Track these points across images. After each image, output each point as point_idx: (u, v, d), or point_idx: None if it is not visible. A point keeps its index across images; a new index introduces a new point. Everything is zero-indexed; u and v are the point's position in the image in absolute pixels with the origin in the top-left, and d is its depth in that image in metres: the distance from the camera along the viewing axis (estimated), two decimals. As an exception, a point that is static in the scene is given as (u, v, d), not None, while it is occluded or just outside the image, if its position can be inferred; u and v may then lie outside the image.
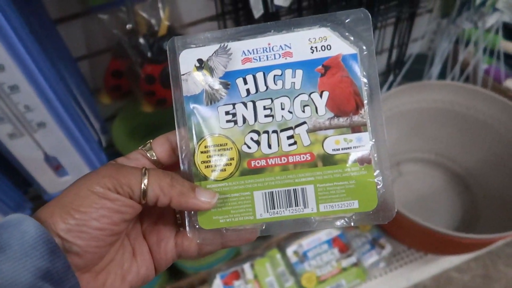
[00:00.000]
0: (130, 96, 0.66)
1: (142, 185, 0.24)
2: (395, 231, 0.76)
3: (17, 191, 0.54)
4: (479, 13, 0.72)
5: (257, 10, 0.50)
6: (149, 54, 0.58)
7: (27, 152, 0.47)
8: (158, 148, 0.27)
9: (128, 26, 0.53)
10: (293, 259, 0.72)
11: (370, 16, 0.26)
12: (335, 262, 0.71)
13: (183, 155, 0.27)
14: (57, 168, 0.51)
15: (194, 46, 0.27)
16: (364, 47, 0.26)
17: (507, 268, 0.97)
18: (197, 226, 0.27)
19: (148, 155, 0.27)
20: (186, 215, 0.27)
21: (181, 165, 0.27)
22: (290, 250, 0.74)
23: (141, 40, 0.58)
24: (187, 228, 0.27)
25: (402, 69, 0.79)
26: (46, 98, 0.43)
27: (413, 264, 0.82)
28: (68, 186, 0.24)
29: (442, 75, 0.88)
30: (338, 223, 0.27)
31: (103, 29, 0.57)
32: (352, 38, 0.26)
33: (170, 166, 0.28)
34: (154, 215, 0.28)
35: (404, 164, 0.93)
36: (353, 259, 0.71)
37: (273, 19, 0.55)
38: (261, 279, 0.70)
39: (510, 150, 0.77)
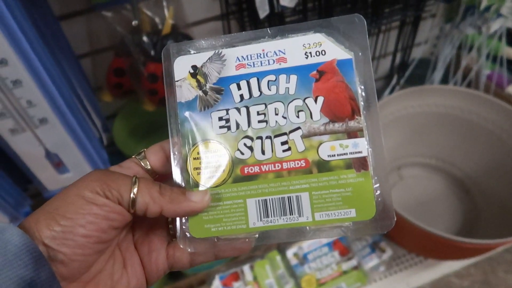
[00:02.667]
0: (132, 94, 0.66)
1: (132, 193, 0.23)
2: (396, 235, 0.76)
3: (17, 188, 0.53)
4: (482, 18, 0.72)
5: (263, 10, 0.50)
6: (152, 53, 0.58)
7: (28, 148, 0.47)
8: (152, 157, 0.27)
9: (134, 22, 0.53)
10: (293, 261, 0.72)
11: (365, 22, 0.26)
12: (335, 265, 0.71)
13: (176, 162, 0.27)
14: (58, 165, 0.51)
15: (189, 53, 0.27)
16: (360, 52, 0.26)
17: (506, 274, 0.97)
18: (188, 235, 0.26)
19: (142, 164, 0.27)
20: (177, 223, 0.26)
21: (173, 172, 0.27)
22: (290, 252, 0.73)
23: (145, 38, 0.58)
24: (178, 237, 0.26)
25: (405, 72, 0.79)
26: (49, 93, 0.43)
27: (413, 269, 0.82)
28: (57, 193, 0.23)
29: (444, 80, 0.88)
30: (334, 232, 0.26)
31: (106, 27, 0.57)
32: (347, 43, 0.26)
33: (164, 175, 0.28)
34: (146, 226, 0.27)
35: (405, 168, 0.93)
36: (353, 262, 0.71)
37: (278, 19, 0.54)
38: (260, 281, 0.70)
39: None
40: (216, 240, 0.26)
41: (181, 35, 0.59)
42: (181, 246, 0.26)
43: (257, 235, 0.26)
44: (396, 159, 0.93)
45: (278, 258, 0.73)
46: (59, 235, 0.21)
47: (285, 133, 0.26)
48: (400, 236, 0.76)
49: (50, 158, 0.49)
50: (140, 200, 0.24)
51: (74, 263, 0.22)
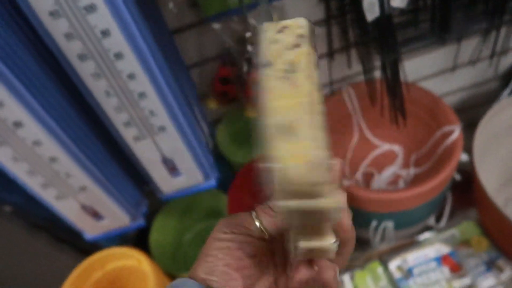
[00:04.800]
0: (236, 101, 0.68)
1: (256, 222, 0.27)
2: (516, 253, 0.68)
3: (136, 190, 0.58)
4: None
5: (371, 13, 0.48)
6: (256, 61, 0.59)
7: (148, 154, 0.51)
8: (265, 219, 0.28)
9: (248, 34, 0.55)
10: (397, 274, 0.68)
11: None
12: (445, 282, 0.65)
13: None
14: (172, 169, 0.54)
15: None
16: None
17: None
18: None
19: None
20: None
21: None
22: (393, 265, 0.69)
23: (249, 48, 0.59)
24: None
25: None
26: (168, 104, 0.46)
27: (537, 292, 0.72)
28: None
29: None
30: None
31: (214, 38, 0.59)
32: None
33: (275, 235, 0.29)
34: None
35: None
36: (466, 281, 0.65)
37: (386, 21, 0.52)
38: (361, 292, 0.68)
39: None
40: None
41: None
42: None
43: None
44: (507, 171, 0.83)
45: (379, 270, 0.70)
46: (209, 269, 0.27)
47: None
48: (522, 255, 0.67)
49: (166, 163, 0.53)
50: (266, 224, 0.27)
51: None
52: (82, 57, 0.40)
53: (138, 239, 0.79)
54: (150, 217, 0.75)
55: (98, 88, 0.43)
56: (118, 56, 0.40)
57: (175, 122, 0.48)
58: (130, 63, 0.41)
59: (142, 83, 0.43)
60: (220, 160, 0.74)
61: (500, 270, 0.68)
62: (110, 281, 0.62)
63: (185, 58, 0.64)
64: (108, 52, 0.40)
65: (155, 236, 0.69)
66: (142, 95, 0.44)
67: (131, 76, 0.42)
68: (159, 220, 0.72)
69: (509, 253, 0.70)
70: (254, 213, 0.28)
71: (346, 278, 0.70)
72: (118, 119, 0.46)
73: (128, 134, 0.48)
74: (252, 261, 0.28)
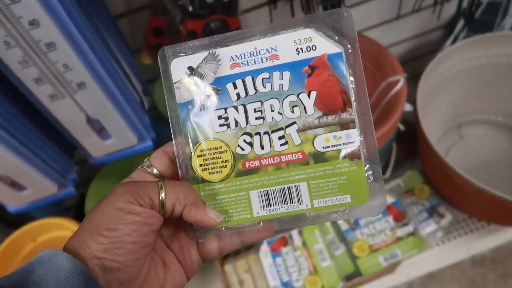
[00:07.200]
0: (172, 55, 0.63)
1: (160, 196, 0.25)
2: (456, 199, 0.70)
3: (63, 155, 0.53)
4: None
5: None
6: (190, 9, 0.54)
7: (69, 114, 0.45)
8: (157, 162, 0.29)
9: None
10: (344, 226, 0.69)
11: (352, 15, 0.26)
12: (390, 231, 0.67)
13: (181, 160, 0.28)
14: (100, 131, 0.49)
15: (184, 54, 0.28)
16: (349, 45, 0.27)
17: None
18: (197, 227, 0.29)
19: (149, 171, 0.28)
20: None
21: (179, 170, 0.28)
22: (340, 217, 0.70)
23: (182, -7, 0.54)
24: (189, 229, 0.29)
25: (473, 17, 0.70)
26: (85, 56, 0.41)
27: (474, 234, 0.76)
28: (90, 211, 0.25)
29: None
30: (332, 217, 0.28)
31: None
32: (336, 38, 0.27)
33: (172, 177, 0.29)
34: (172, 225, 0.29)
35: (466, 126, 0.85)
36: (409, 228, 0.67)
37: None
38: (310, 246, 0.68)
39: None
40: (223, 229, 0.29)
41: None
42: (191, 236, 0.29)
43: (261, 223, 0.29)
44: (456, 117, 0.85)
45: (328, 222, 0.70)
46: (109, 246, 0.23)
47: (281, 128, 0.28)
48: (460, 200, 0.70)
49: (92, 124, 0.48)
50: (168, 200, 0.26)
51: (129, 268, 0.24)
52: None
53: (80, 207, 0.74)
54: (86, 186, 0.70)
55: (-5, 38, 0.36)
56: (15, -2, 0.34)
57: (96, 77, 0.43)
58: (30, 7, 0.35)
59: (48, 31, 0.37)
60: (159, 120, 0.69)
61: (441, 216, 0.70)
62: (43, 254, 0.58)
63: (110, 7, 0.57)
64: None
65: (91, 204, 0.65)
66: (50, 45, 0.38)
67: (34, 23, 0.36)
68: (94, 187, 0.67)
69: (450, 199, 0.72)
70: (160, 184, 0.26)
71: (294, 232, 0.69)
72: (26, 74, 0.40)
73: (41, 92, 0.42)
74: (154, 238, 0.26)
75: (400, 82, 0.64)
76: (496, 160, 0.80)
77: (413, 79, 0.71)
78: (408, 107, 0.66)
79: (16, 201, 0.51)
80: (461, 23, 0.76)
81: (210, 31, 0.56)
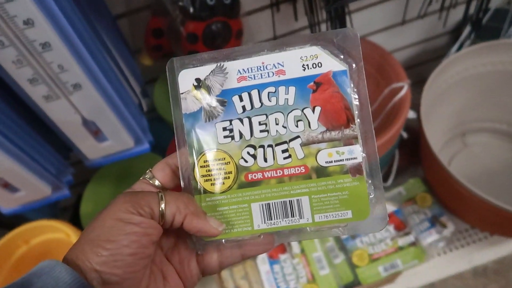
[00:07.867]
0: (172, 56, 0.62)
1: (161, 207, 0.25)
2: (458, 208, 0.69)
3: (57, 156, 0.52)
4: None
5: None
6: (191, 10, 0.53)
7: (64, 116, 0.44)
8: (159, 174, 0.28)
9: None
10: (344, 234, 0.67)
11: (358, 35, 0.27)
12: (390, 240, 0.65)
13: (184, 170, 0.28)
14: (96, 133, 0.48)
15: (192, 66, 0.28)
16: (353, 63, 0.27)
17: None
18: (196, 239, 0.28)
19: (151, 182, 0.28)
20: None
21: (181, 180, 0.28)
22: (340, 225, 0.69)
23: (183, -6, 0.53)
24: (188, 240, 0.28)
25: (480, 24, 0.69)
26: (81, 57, 0.40)
27: (476, 245, 0.75)
28: (91, 221, 0.25)
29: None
30: (332, 232, 0.28)
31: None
32: (341, 56, 0.28)
33: (174, 189, 0.29)
34: (172, 237, 0.29)
35: (470, 134, 0.84)
36: (410, 238, 0.65)
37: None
38: (308, 253, 0.66)
39: None
40: (223, 242, 0.28)
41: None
42: (191, 248, 0.28)
43: (261, 236, 0.29)
44: (460, 124, 0.83)
45: (327, 230, 0.69)
46: (108, 259, 0.23)
47: (285, 142, 0.28)
48: (463, 210, 0.68)
49: (88, 126, 0.47)
50: (168, 211, 0.25)
51: (128, 282, 0.23)
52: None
53: (77, 208, 0.73)
54: (83, 186, 0.69)
55: (-11, 37, 0.35)
56: (8, -4, 0.33)
57: (92, 78, 0.42)
58: (25, 6, 0.34)
59: (43, 31, 0.36)
60: (158, 122, 0.68)
61: (443, 226, 0.69)
62: (36, 256, 0.57)
63: (110, 7, 0.56)
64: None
65: (86, 207, 0.64)
66: (45, 45, 0.37)
67: (28, 23, 0.35)
68: (89, 190, 0.66)
69: (452, 209, 0.71)
70: (160, 194, 0.26)
71: (293, 240, 0.68)
72: (20, 74, 0.39)
73: (35, 93, 0.41)
74: (153, 249, 0.25)
75: (404, 89, 0.63)
76: (500, 169, 0.79)
77: (417, 85, 0.70)
78: (411, 114, 0.64)
79: (9, 202, 0.50)
80: (467, 29, 0.74)
81: (211, 33, 0.54)
